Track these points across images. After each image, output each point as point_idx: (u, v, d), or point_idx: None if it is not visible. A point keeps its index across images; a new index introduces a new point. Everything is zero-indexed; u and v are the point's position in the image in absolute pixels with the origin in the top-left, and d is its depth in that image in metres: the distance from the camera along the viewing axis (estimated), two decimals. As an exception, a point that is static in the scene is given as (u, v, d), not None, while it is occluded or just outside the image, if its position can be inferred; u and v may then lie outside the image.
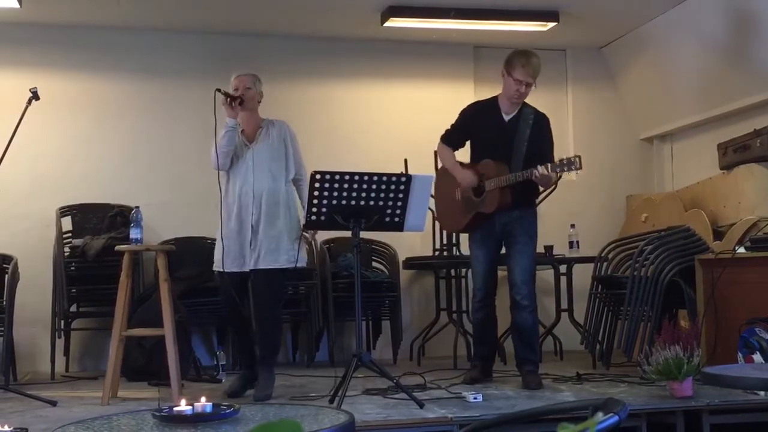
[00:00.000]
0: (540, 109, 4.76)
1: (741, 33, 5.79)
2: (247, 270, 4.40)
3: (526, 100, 4.71)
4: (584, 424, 0.86)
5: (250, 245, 4.36)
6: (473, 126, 4.76)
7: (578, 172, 4.43)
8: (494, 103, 4.73)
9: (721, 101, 6.18)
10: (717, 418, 3.92)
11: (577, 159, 4.32)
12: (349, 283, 5.66)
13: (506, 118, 4.69)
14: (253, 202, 4.38)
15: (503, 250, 4.78)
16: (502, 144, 4.60)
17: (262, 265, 4.37)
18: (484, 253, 4.72)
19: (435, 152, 5.17)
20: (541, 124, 4.67)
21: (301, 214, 4.43)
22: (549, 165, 4.37)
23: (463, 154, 4.92)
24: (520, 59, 4.57)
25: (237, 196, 4.40)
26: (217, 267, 4.48)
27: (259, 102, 4.57)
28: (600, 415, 1.32)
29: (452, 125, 4.84)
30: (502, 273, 4.98)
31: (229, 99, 4.36)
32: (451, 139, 4.83)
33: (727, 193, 5.85)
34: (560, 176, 4.55)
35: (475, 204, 4.66)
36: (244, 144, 4.45)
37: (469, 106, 4.85)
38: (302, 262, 4.50)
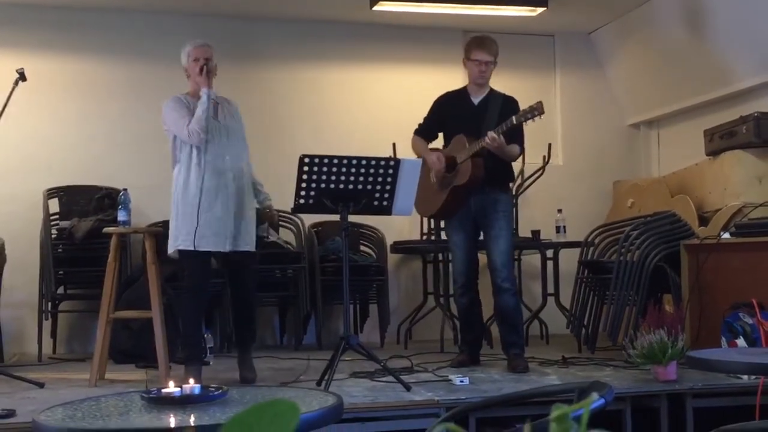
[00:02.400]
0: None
1: (728, 20, 5.81)
2: (226, 250, 4.26)
3: (499, 85, 4.80)
4: (580, 404, 0.87)
5: (231, 226, 4.23)
6: (445, 114, 4.83)
7: (542, 117, 4.44)
8: (463, 90, 4.84)
9: (708, 88, 6.21)
10: (700, 401, 3.96)
11: (539, 105, 4.41)
12: (337, 266, 5.67)
13: (475, 101, 4.77)
14: (233, 179, 4.25)
15: (481, 237, 4.80)
16: (473, 123, 4.66)
17: (244, 248, 4.29)
18: (462, 238, 4.75)
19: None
20: (510, 105, 4.72)
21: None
22: (512, 117, 4.44)
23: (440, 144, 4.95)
24: (474, 42, 4.77)
25: (212, 171, 4.19)
26: (185, 245, 4.21)
27: (215, 75, 4.35)
28: (595, 396, 1.34)
29: (425, 118, 4.91)
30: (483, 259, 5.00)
31: (205, 69, 4.21)
32: (425, 130, 4.88)
33: (713, 179, 5.88)
34: (533, 121, 4.54)
35: (449, 180, 4.69)
36: (213, 118, 4.25)
37: (438, 97, 4.92)
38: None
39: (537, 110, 4.41)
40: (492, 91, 4.79)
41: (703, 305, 4.67)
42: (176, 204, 4.27)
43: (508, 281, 4.66)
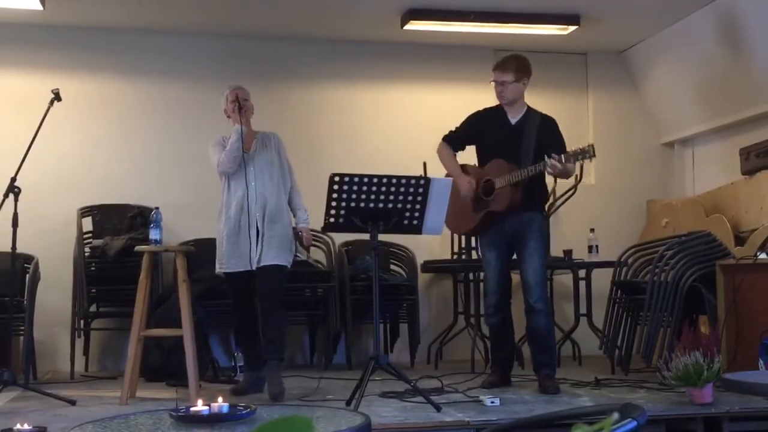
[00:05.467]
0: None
1: (763, 37, 5.74)
2: (252, 269, 4.51)
3: (531, 105, 4.77)
4: (599, 424, 0.85)
5: (255, 245, 4.50)
6: (479, 131, 4.79)
7: (592, 160, 4.39)
8: (500, 108, 4.78)
9: (742, 106, 6.13)
10: (737, 425, 3.87)
11: (590, 147, 4.34)
12: (367, 285, 5.65)
13: (513, 121, 4.73)
14: (255, 205, 4.53)
15: (514, 256, 4.76)
16: (511, 146, 4.62)
17: (266, 262, 4.51)
18: (495, 256, 4.71)
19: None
20: (548, 125, 4.69)
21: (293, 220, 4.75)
22: (562, 155, 4.39)
23: (469, 157, 4.92)
24: (495, 63, 4.78)
25: (238, 200, 4.54)
26: (223, 269, 4.63)
27: (252, 114, 4.71)
28: (616, 415, 1.31)
29: (456, 127, 4.86)
30: (516, 278, 4.96)
31: (238, 107, 4.55)
32: (454, 140, 4.84)
33: (749, 198, 5.79)
34: (581, 163, 4.49)
35: (485, 203, 4.66)
36: (243, 152, 4.57)
37: (475, 112, 4.88)
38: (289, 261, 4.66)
39: (588, 152, 4.33)
40: (529, 110, 4.74)
41: (740, 326, 4.58)
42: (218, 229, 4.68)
43: (542, 301, 4.61)
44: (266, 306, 4.54)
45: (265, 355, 4.54)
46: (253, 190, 4.53)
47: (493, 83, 4.70)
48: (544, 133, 4.62)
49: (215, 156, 4.63)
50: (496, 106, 4.80)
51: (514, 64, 4.66)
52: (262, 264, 4.50)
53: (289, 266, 4.62)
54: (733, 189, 6.03)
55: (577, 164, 4.45)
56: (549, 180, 5.37)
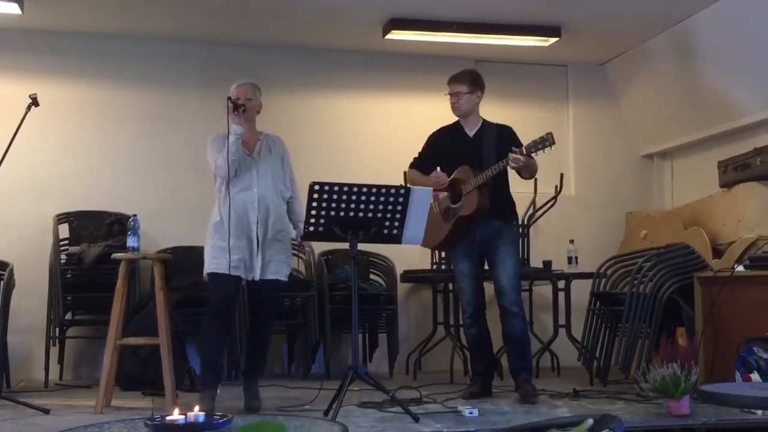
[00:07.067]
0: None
1: (742, 51, 5.79)
2: (251, 278, 4.31)
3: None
4: (574, 429, 0.84)
5: (257, 255, 4.28)
6: (441, 148, 4.84)
7: (553, 148, 4.39)
8: (457, 123, 4.86)
9: (721, 119, 6.18)
10: (714, 436, 3.89)
11: (549, 135, 4.38)
12: (347, 295, 5.64)
13: (470, 133, 4.80)
14: (258, 211, 4.31)
15: (486, 266, 4.78)
16: (472, 155, 4.68)
17: (270, 276, 4.31)
18: (469, 266, 4.73)
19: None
20: (506, 134, 4.76)
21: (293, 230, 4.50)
22: (523, 148, 4.43)
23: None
24: (449, 78, 4.83)
25: (239, 205, 4.28)
26: (216, 269, 4.25)
27: (258, 113, 4.53)
28: (590, 421, 1.30)
29: (419, 152, 4.92)
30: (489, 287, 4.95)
31: (234, 107, 4.32)
32: (419, 164, 4.89)
33: (727, 211, 5.83)
34: (543, 153, 4.46)
35: (454, 210, 4.68)
36: (246, 154, 4.38)
37: (433, 132, 4.93)
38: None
39: (548, 141, 4.38)
40: (485, 121, 4.82)
41: (717, 339, 4.60)
42: (209, 232, 4.34)
43: (516, 305, 4.63)
44: (263, 322, 4.43)
45: (248, 368, 4.46)
46: (255, 196, 4.31)
47: (448, 96, 4.76)
48: (504, 142, 4.67)
49: (212, 155, 4.34)
50: (453, 123, 4.88)
51: (468, 77, 4.77)
52: (263, 278, 4.30)
53: (286, 279, 4.42)
54: (711, 202, 6.07)
55: (540, 153, 4.42)
56: (526, 189, 5.39)
